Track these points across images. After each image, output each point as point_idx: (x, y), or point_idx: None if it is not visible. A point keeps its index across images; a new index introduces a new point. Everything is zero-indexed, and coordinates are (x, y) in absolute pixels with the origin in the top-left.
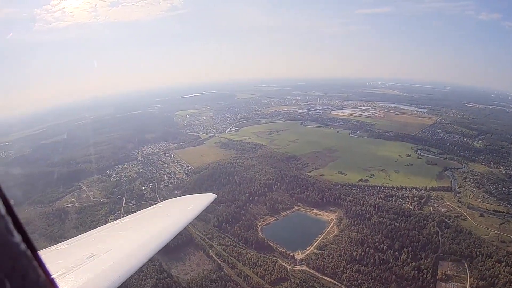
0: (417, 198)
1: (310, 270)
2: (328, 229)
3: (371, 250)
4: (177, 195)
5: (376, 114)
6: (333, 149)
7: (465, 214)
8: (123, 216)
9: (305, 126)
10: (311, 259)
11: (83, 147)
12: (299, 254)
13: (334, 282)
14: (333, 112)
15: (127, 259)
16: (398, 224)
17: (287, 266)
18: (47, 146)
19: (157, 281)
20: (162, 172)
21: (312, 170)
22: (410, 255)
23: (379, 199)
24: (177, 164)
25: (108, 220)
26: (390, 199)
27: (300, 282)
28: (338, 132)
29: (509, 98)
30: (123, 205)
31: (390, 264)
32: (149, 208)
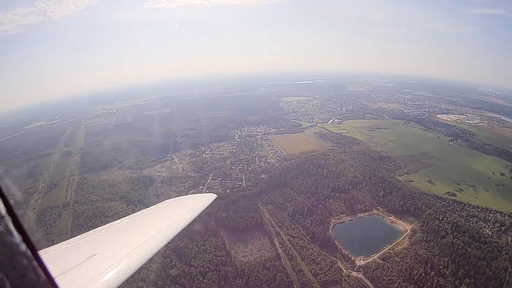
0: (498, 224)
1: (364, 279)
2: (399, 240)
3: (432, 273)
4: (263, 180)
5: (480, 124)
6: (429, 155)
7: None
8: (205, 192)
9: (408, 126)
10: (370, 268)
11: (185, 121)
12: (360, 260)
13: None
14: (438, 116)
15: (127, 259)
16: (470, 250)
17: (344, 269)
18: (149, 117)
19: (214, 257)
20: (254, 155)
21: (402, 174)
22: None
23: (460, 217)
24: (271, 149)
25: (190, 193)
26: (472, 219)
27: None
28: (438, 137)
29: None
30: (208, 181)
31: None
32: (149, 208)
